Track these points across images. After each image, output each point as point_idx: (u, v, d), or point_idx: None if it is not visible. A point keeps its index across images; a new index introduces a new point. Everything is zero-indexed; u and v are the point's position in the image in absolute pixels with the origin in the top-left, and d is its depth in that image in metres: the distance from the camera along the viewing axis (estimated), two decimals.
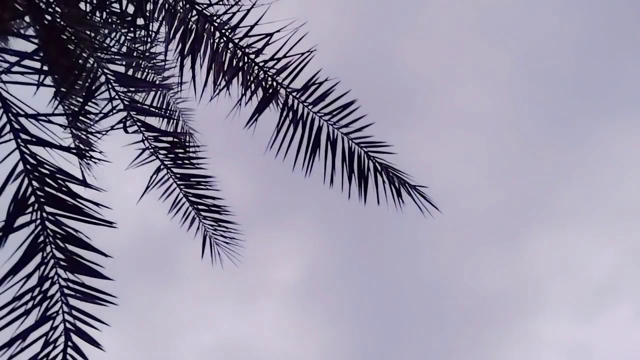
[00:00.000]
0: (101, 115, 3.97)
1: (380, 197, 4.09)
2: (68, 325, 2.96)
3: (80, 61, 3.65)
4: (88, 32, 3.72)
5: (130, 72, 4.52)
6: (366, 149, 4.07)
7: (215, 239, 5.49)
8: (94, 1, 3.77)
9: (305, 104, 4.02)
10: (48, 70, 3.06)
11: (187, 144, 4.65)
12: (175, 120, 6.01)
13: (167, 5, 3.89)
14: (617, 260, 16.68)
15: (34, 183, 2.84)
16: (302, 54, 3.90)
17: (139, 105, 4.15)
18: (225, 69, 4.01)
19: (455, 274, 17.84)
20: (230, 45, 3.96)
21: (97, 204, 2.94)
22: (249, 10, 3.83)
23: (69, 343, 2.94)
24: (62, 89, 3.95)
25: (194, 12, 3.88)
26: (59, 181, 2.87)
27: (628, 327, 16.41)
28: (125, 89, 3.97)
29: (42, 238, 2.86)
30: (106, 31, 4.01)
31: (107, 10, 4.03)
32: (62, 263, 2.93)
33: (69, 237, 2.91)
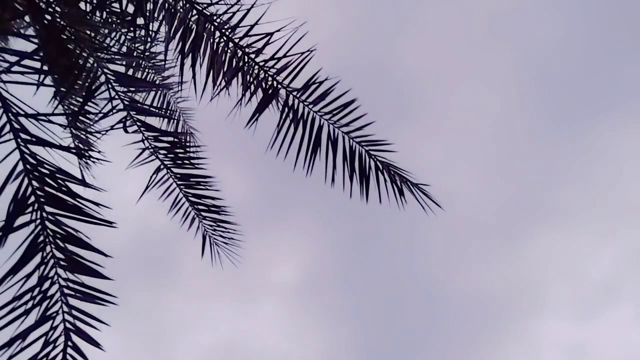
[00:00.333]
0: (101, 115, 3.96)
1: (381, 195, 4.09)
2: (68, 325, 2.95)
3: (80, 61, 3.64)
4: (88, 32, 3.72)
5: (130, 72, 4.52)
6: (367, 147, 4.07)
7: (215, 239, 5.49)
8: (94, 1, 3.77)
9: (306, 103, 4.01)
10: (48, 70, 3.06)
11: (187, 143, 4.64)
12: (175, 120, 6.01)
13: (167, 5, 3.88)
14: (617, 260, 16.67)
15: (34, 183, 2.83)
16: (302, 53, 3.90)
17: (139, 105, 4.15)
18: (225, 68, 4.00)
19: (455, 274, 17.83)
20: (230, 44, 3.96)
21: (97, 204, 2.93)
22: (249, 10, 3.82)
23: (69, 343, 2.93)
24: (62, 89, 3.94)
25: (194, 12, 3.87)
26: (59, 181, 2.86)
27: (628, 327, 16.40)
28: (125, 89, 3.97)
29: (42, 238, 2.86)
30: (106, 31, 4.01)
31: (107, 10, 4.03)
32: (62, 263, 2.92)
33: (69, 237, 2.91)
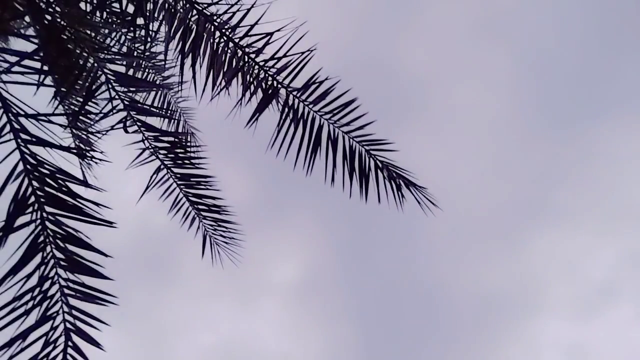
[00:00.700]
0: (101, 115, 3.96)
1: (381, 195, 4.09)
2: (68, 325, 2.96)
3: (80, 61, 3.64)
4: (88, 32, 3.72)
5: (130, 72, 4.52)
6: (367, 147, 4.06)
7: (215, 239, 5.49)
8: (94, 1, 3.77)
9: (306, 103, 4.01)
10: (48, 70, 3.05)
11: (187, 143, 4.64)
12: (175, 120, 6.01)
13: (167, 5, 3.88)
14: (617, 260, 16.66)
15: (34, 183, 2.83)
16: (302, 53, 3.90)
17: (139, 105, 4.15)
18: (225, 68, 4.00)
19: (455, 274, 17.82)
20: (231, 44, 3.96)
21: (97, 204, 2.93)
22: (249, 10, 3.82)
23: (69, 343, 2.93)
24: (62, 89, 3.94)
25: (194, 12, 3.87)
26: (59, 181, 2.86)
27: (628, 327, 16.39)
28: (125, 89, 3.97)
29: (42, 238, 2.86)
30: (106, 31, 4.01)
31: (107, 10, 4.03)
32: (62, 263, 2.92)
33: (69, 237, 2.91)
